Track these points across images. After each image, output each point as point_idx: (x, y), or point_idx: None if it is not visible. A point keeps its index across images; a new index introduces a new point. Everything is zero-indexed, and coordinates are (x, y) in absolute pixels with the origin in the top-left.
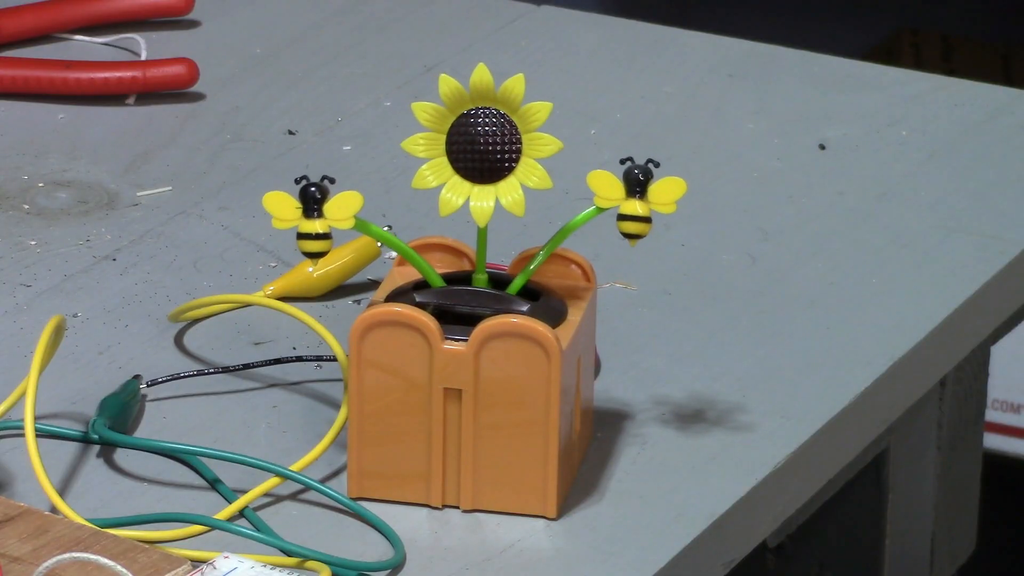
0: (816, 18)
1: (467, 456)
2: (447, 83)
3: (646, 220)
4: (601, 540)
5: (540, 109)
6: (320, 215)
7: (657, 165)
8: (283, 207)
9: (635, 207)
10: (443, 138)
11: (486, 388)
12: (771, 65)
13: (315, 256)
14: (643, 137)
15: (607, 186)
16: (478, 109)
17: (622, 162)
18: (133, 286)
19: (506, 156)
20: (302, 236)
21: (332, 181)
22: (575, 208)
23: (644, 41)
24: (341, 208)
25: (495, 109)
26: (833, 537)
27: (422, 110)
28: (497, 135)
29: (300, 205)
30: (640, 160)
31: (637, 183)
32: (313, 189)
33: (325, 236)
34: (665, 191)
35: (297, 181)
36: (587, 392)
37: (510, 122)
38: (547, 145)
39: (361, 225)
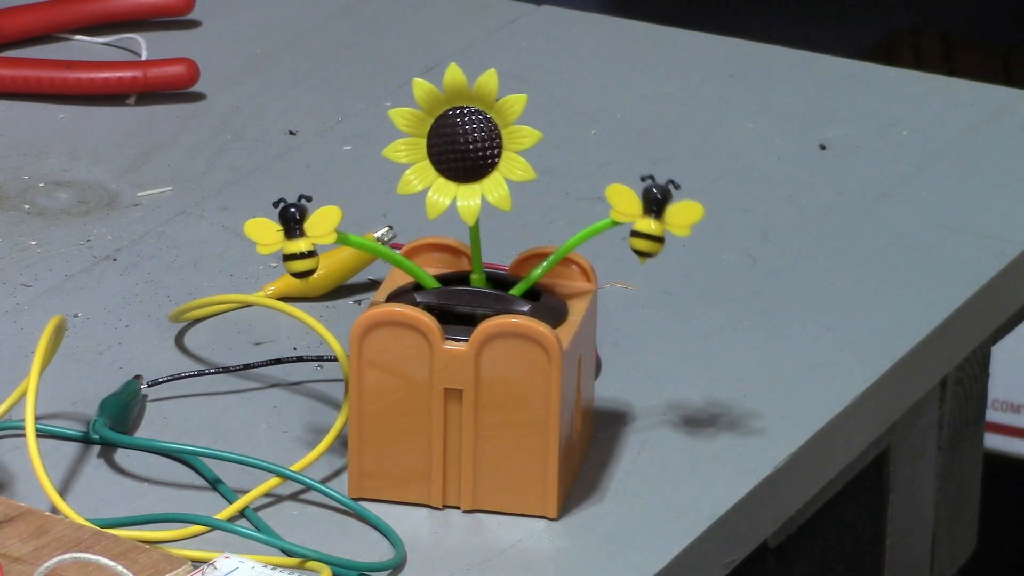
0: (816, 18)
1: (467, 456)
2: (420, 87)
3: (659, 240)
4: (601, 540)
5: (516, 102)
6: (302, 234)
7: (678, 187)
8: (265, 232)
9: (650, 226)
10: (423, 142)
11: (486, 388)
12: (771, 65)
13: (303, 275)
14: (643, 137)
15: (625, 201)
16: (455, 109)
17: (643, 179)
18: (133, 286)
19: (488, 153)
20: (288, 257)
21: (309, 199)
22: (575, 208)
23: (644, 41)
24: (321, 224)
25: (472, 107)
26: (833, 537)
27: (399, 116)
28: (476, 132)
29: (281, 227)
30: (660, 178)
31: (655, 202)
32: (293, 210)
33: (311, 254)
34: (682, 214)
35: (275, 204)
36: (587, 392)
37: (488, 118)
38: (526, 137)
39: (342, 238)
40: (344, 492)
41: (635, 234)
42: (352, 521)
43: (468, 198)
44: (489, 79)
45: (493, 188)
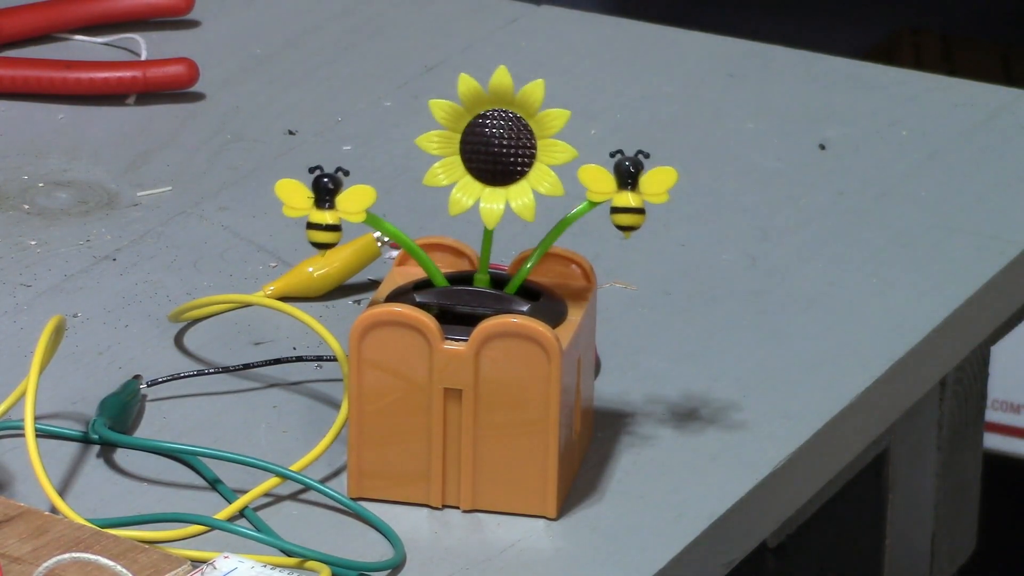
0: (816, 18)
1: (467, 456)
2: (466, 83)
3: (639, 211)
4: (601, 540)
5: (558, 116)
6: (332, 206)
7: (647, 156)
8: (295, 195)
9: (627, 199)
10: (458, 137)
11: (486, 388)
12: (771, 65)
13: (323, 247)
14: (643, 137)
15: (598, 180)
16: (495, 111)
17: (612, 155)
18: (133, 286)
19: (519, 160)
20: (312, 226)
21: (347, 173)
22: (575, 208)
23: (644, 41)
24: (354, 201)
25: (512, 112)
26: (833, 537)
27: (439, 107)
28: (512, 138)
29: (312, 195)
30: (630, 152)
31: (628, 175)
32: (326, 180)
33: (335, 228)
34: (656, 181)
35: (311, 171)
36: (587, 392)
37: (526, 126)
38: (562, 152)
39: (372, 220)
40: (343, 492)
41: (615, 210)
42: (352, 521)
43: (492, 201)
44: (536, 88)
45: (518, 195)
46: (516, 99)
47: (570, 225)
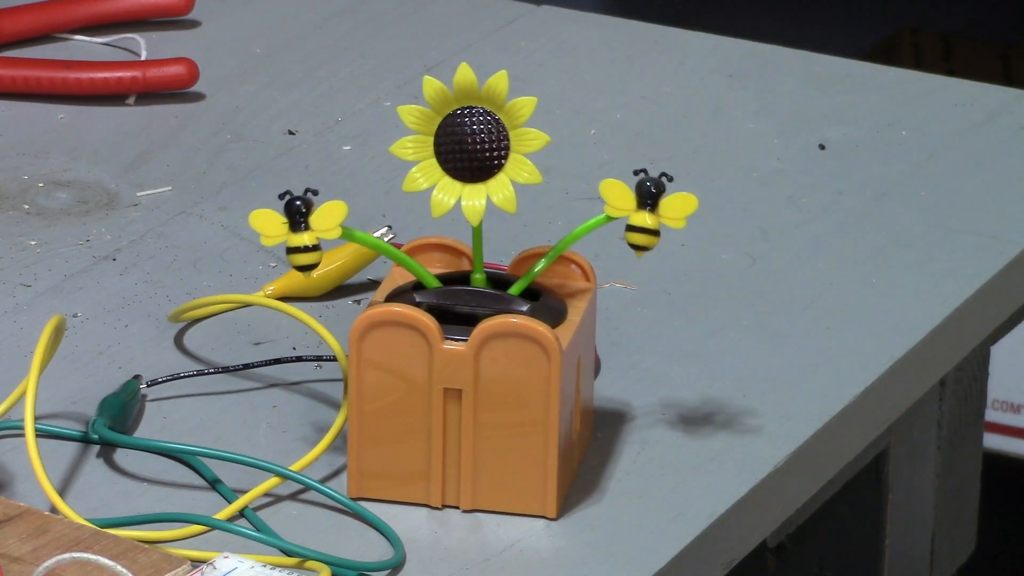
0: (816, 18)
1: (467, 456)
2: (431, 84)
3: (655, 233)
4: (601, 540)
5: (525, 104)
6: (307, 227)
7: (671, 179)
8: (269, 224)
9: (645, 219)
10: (431, 140)
11: (486, 388)
12: (771, 65)
13: (306, 269)
14: (643, 137)
15: (619, 196)
16: (463, 109)
17: (636, 173)
18: (133, 286)
19: (494, 154)
20: (292, 251)
21: (315, 193)
22: (575, 208)
23: (644, 41)
24: (327, 218)
25: (481, 108)
26: (833, 537)
27: (408, 113)
28: (484, 133)
29: (286, 220)
30: (654, 172)
31: (649, 195)
32: (298, 203)
33: (315, 248)
34: (676, 206)
35: (281, 196)
36: (587, 392)
37: (496, 119)
38: (534, 140)
39: (347, 233)
40: (343, 492)
41: (630, 228)
42: (351, 521)
43: (473, 198)
44: (499, 80)
45: (498, 189)
46: (482, 94)
47: (583, 235)
